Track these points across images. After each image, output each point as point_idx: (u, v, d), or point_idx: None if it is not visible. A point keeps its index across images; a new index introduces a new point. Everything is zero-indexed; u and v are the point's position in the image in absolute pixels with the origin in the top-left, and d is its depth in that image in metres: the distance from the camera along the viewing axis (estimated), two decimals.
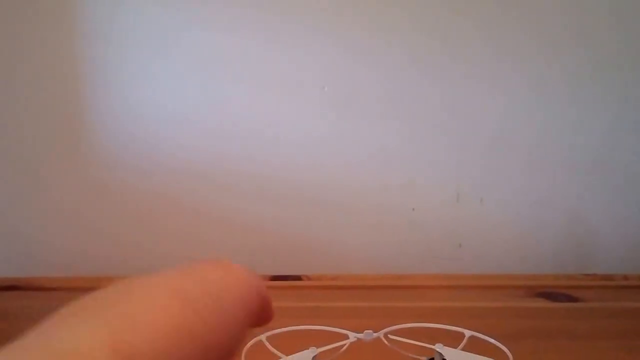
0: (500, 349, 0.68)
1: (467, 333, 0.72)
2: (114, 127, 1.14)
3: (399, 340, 0.70)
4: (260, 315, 0.39)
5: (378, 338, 0.71)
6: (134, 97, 1.13)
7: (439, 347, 0.67)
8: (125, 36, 1.11)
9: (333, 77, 1.13)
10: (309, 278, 1.10)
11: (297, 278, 1.10)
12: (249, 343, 0.68)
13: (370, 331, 0.71)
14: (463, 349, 0.69)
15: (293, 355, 0.65)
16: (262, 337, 0.70)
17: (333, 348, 0.69)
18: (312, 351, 0.65)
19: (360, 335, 0.71)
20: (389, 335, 0.71)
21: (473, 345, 0.70)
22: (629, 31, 1.14)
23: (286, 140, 1.16)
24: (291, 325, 0.73)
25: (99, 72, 1.12)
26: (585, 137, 1.18)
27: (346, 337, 0.71)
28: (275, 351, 0.68)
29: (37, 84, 1.12)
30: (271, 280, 1.08)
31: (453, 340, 0.70)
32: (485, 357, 0.66)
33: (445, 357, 0.66)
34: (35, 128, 1.14)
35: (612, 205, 1.21)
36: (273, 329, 0.71)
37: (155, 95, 1.13)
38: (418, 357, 0.69)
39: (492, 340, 0.70)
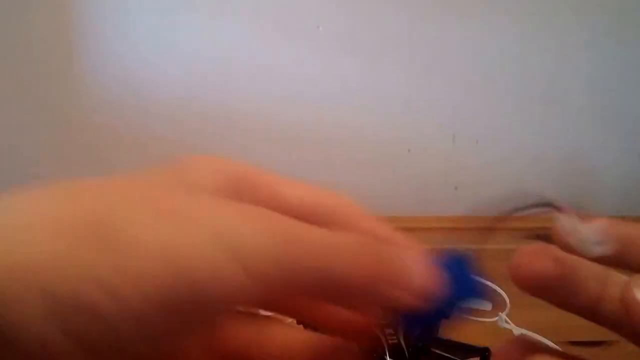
0: (497, 290, 0.68)
1: None
2: (111, 71, 1.13)
3: None
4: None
5: None
6: (133, 31, 1.12)
7: None
8: None
9: (328, 17, 1.12)
10: None
11: None
12: None
13: None
14: None
15: None
16: None
17: None
18: None
19: None
20: None
21: None
22: None
23: (281, 79, 1.15)
24: None
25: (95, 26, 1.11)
26: (580, 79, 1.17)
27: None
28: None
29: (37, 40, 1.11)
30: None
31: None
32: (481, 300, 0.65)
33: None
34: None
35: (608, 147, 1.20)
36: None
37: (159, 30, 1.12)
38: None
39: (488, 283, 0.69)
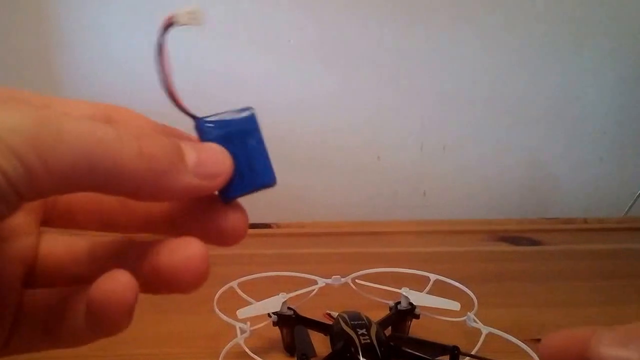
0: (465, 291, 0.69)
1: (432, 277, 0.73)
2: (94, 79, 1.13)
3: (367, 285, 0.71)
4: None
5: (346, 283, 0.71)
6: (109, 51, 1.12)
7: (405, 291, 0.67)
8: None
9: (299, 31, 1.13)
10: (278, 226, 1.10)
11: (267, 226, 1.10)
12: (221, 290, 0.68)
13: (339, 276, 0.71)
14: (429, 293, 0.70)
15: (264, 300, 0.65)
16: (234, 283, 0.70)
17: (303, 293, 0.69)
18: (282, 296, 0.65)
19: (328, 281, 0.71)
20: (356, 280, 0.72)
21: (438, 289, 0.71)
22: None
23: (252, 92, 1.15)
24: (261, 272, 0.74)
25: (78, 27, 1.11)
26: (542, 88, 1.19)
27: (315, 282, 0.72)
28: (247, 297, 0.69)
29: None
30: None
31: (419, 284, 0.71)
32: (450, 300, 0.66)
33: (411, 301, 0.67)
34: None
35: (570, 152, 1.22)
36: (244, 276, 0.71)
37: (131, 47, 1.12)
38: (385, 301, 0.70)
39: (456, 284, 0.71)
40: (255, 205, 1.14)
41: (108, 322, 0.28)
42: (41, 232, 0.33)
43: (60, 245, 0.33)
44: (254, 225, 1.09)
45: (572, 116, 1.20)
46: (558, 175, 1.22)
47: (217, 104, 1.06)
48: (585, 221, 1.13)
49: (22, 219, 0.31)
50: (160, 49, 0.32)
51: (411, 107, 1.18)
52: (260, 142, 0.33)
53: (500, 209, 1.20)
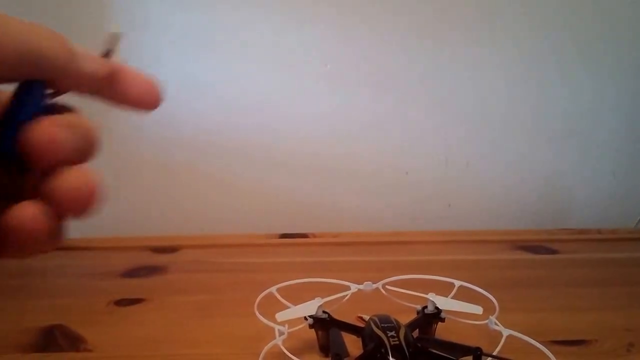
0: (487, 296, 0.69)
1: (457, 283, 0.72)
2: None
3: (396, 290, 0.70)
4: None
5: (377, 288, 0.71)
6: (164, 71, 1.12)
7: (431, 296, 0.67)
8: (145, 20, 1.10)
9: (335, 57, 1.13)
10: (314, 236, 1.10)
11: (304, 236, 1.10)
12: (261, 294, 0.69)
13: (370, 282, 0.71)
14: (453, 298, 0.69)
15: (301, 304, 0.65)
16: (273, 289, 0.70)
17: (337, 298, 0.69)
18: (318, 301, 0.65)
19: (360, 286, 0.71)
20: (386, 286, 0.71)
21: (462, 294, 0.70)
22: (598, 10, 1.14)
23: (293, 113, 1.15)
24: (299, 278, 0.73)
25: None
26: (558, 106, 1.18)
27: (348, 288, 0.71)
28: (285, 301, 0.69)
29: None
30: (280, 238, 1.09)
31: (444, 289, 0.70)
32: (473, 305, 0.66)
33: (437, 305, 0.66)
34: None
35: (585, 166, 1.21)
36: (282, 282, 0.71)
37: (177, 71, 1.13)
38: (413, 305, 0.69)
39: (479, 289, 0.70)
40: (294, 217, 1.14)
41: (24, 248, 0.28)
42: None
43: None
44: (292, 235, 1.09)
45: (585, 133, 1.19)
46: (573, 188, 1.21)
47: (258, 127, 1.06)
48: (599, 232, 1.12)
49: None
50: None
51: (437, 127, 1.18)
52: (23, 110, 0.29)
53: (519, 220, 1.20)
